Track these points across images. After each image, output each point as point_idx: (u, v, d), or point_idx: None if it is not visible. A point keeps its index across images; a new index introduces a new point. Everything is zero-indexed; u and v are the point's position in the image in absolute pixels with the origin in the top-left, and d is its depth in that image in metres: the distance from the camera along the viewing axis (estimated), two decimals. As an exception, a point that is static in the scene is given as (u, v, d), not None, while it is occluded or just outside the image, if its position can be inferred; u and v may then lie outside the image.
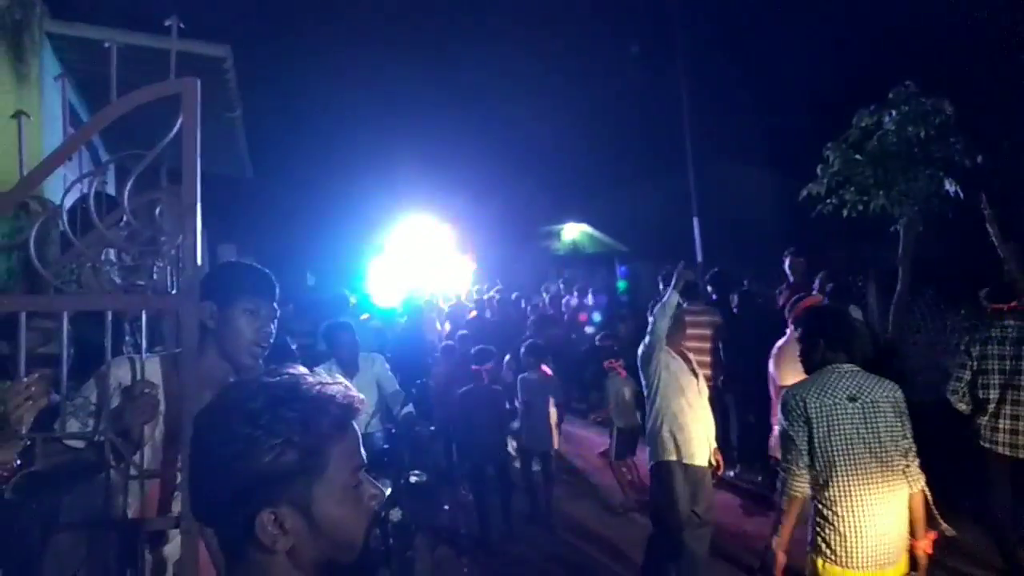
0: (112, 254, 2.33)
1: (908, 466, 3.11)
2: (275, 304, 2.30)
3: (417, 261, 14.55)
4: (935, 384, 8.11)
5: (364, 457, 1.12)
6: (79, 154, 2.21)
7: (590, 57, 18.86)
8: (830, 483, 3.09)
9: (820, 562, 3.12)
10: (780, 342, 5.21)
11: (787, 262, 7.32)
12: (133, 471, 2.05)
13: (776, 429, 4.26)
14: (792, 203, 8.80)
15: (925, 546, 3.16)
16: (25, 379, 1.93)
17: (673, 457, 4.61)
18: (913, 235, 8.13)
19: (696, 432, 4.66)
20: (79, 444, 2.05)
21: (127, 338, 2.82)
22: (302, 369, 1.12)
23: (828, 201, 8.32)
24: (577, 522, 6.50)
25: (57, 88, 5.42)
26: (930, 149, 7.65)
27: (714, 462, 4.80)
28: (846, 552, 3.03)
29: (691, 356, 5.00)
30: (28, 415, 1.94)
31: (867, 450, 3.07)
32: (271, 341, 2.28)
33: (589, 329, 11.28)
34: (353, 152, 18.30)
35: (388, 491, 4.28)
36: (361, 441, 1.12)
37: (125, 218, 2.13)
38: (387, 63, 21.36)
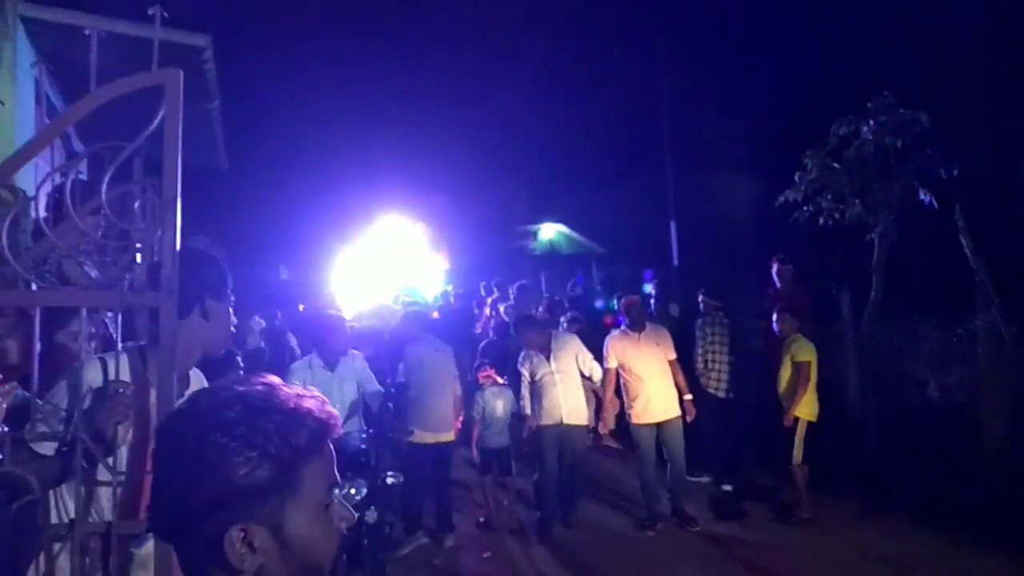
0: (87, 247, 2.24)
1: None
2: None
3: (389, 259, 14.36)
4: (905, 392, 8.23)
5: (337, 477, 1.06)
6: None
7: (571, 57, 18.85)
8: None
9: None
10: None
11: (774, 268, 7.38)
12: (107, 475, 1.98)
13: None
14: (769, 209, 8.86)
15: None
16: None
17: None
18: (887, 244, 8.22)
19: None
20: (47, 451, 1.97)
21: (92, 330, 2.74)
22: (274, 378, 1.05)
23: (805, 208, 8.38)
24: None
25: (29, 75, 5.28)
26: (906, 159, 7.74)
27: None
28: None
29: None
30: None
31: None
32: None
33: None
34: (329, 147, 18.12)
35: (364, 492, 4.23)
36: (335, 459, 1.06)
37: (101, 210, 2.05)
38: (367, 59, 21.21)
